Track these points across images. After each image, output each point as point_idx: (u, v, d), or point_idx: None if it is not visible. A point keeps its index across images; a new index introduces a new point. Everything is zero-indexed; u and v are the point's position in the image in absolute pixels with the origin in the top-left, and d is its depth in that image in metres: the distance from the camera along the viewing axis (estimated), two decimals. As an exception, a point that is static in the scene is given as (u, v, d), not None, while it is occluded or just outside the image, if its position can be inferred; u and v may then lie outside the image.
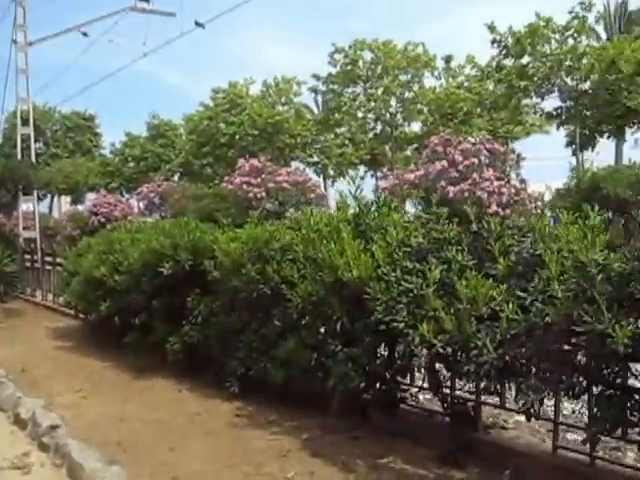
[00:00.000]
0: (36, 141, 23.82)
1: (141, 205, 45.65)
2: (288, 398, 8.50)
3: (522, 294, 5.44)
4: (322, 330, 7.61)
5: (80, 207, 58.26)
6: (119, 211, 46.70)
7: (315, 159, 49.88)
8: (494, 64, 38.50)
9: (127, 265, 11.00)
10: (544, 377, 5.42)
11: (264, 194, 30.93)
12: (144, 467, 6.87)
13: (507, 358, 5.35)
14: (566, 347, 5.27)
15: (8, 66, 24.44)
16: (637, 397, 5.13)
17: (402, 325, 6.02)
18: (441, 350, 5.77)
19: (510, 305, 5.39)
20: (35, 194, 23.44)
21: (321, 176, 49.69)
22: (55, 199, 66.64)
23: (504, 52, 37.65)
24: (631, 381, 5.33)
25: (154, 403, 9.24)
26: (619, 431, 5.29)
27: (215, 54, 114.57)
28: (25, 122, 23.90)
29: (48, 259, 20.00)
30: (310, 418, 8.05)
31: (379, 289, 6.32)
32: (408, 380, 7.63)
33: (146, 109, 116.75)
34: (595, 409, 5.38)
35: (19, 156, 21.28)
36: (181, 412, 8.70)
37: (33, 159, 21.79)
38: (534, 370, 5.49)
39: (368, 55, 45.49)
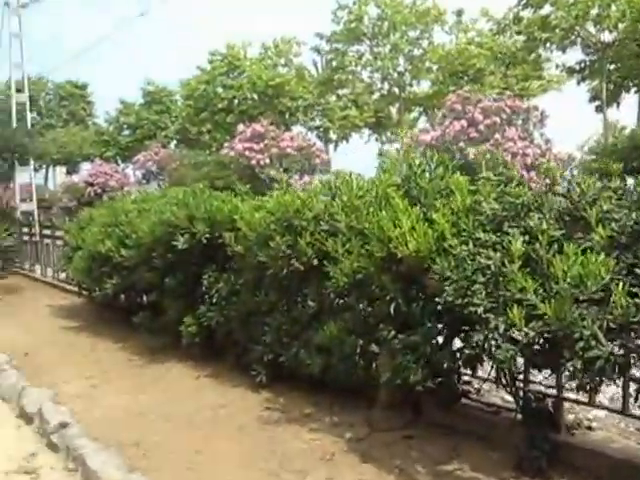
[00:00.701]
0: (30, 111, 22.72)
1: (138, 174, 44.65)
2: (324, 388, 7.52)
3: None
4: (366, 312, 6.58)
5: (75, 178, 57.66)
6: (115, 181, 45.93)
7: (317, 123, 48.40)
8: (511, 16, 36.74)
9: (135, 239, 9.96)
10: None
11: (267, 160, 29.80)
12: (168, 475, 5.96)
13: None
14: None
15: (0, 32, 23.37)
16: None
17: (480, 309, 4.98)
18: (531, 340, 4.74)
19: (620, 285, 4.37)
20: (32, 164, 22.38)
21: (323, 140, 48.32)
22: (50, 170, 65.65)
23: (523, 2, 35.62)
24: None
25: (172, 392, 8.28)
26: None
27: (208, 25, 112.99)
28: (19, 90, 22.97)
29: (47, 232, 18.91)
30: (352, 412, 7.09)
31: (447, 265, 5.28)
32: (469, 370, 6.60)
33: (141, 75, 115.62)
34: None
35: (14, 125, 20.35)
36: (203, 404, 7.73)
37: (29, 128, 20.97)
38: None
39: (374, 11, 43.40)
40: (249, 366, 8.19)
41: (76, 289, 14.96)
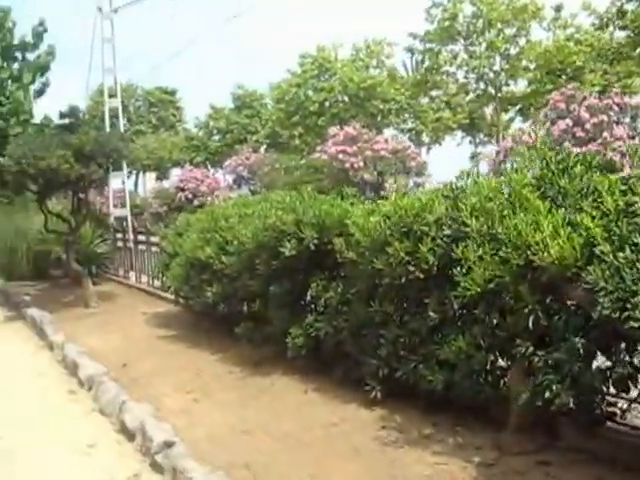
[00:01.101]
0: (119, 118, 22.61)
1: (229, 179, 44.60)
2: (444, 407, 6.94)
3: None
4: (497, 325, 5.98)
5: (166, 183, 58.09)
6: (206, 186, 45.97)
7: (409, 125, 47.58)
8: (614, 10, 35.13)
9: (237, 245, 9.51)
10: None
11: (361, 164, 29.30)
12: (283, 503, 5.45)
13: None
14: None
15: (93, 37, 23.32)
16: None
17: (644, 325, 4.36)
18: None
19: None
20: (125, 170, 22.30)
21: (415, 143, 47.41)
22: (140, 176, 66.32)
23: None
24: None
25: (278, 408, 7.78)
26: None
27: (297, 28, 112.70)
28: (112, 95, 22.91)
29: (141, 238, 18.69)
30: (478, 434, 6.47)
31: (601, 275, 4.66)
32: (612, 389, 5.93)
33: (230, 80, 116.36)
34: None
35: (107, 130, 20.22)
36: (313, 421, 7.22)
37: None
38: None
39: (469, 9, 41.88)
40: (360, 380, 7.66)
41: (172, 297, 14.64)
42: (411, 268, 6.65)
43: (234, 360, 9.80)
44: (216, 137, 63.93)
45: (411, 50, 40.74)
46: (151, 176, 67.25)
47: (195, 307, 11.56)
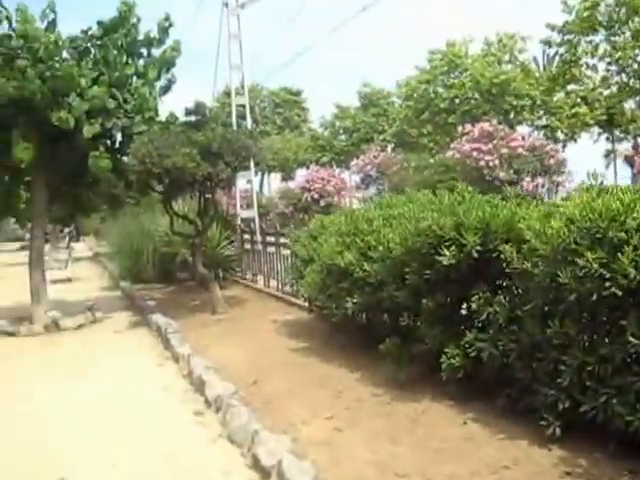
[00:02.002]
0: (245, 118, 21.87)
1: (356, 179, 43.72)
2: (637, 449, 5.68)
3: None
4: None
5: (291, 184, 57.87)
6: (332, 186, 45.40)
7: (543, 122, 45.38)
8: None
9: (382, 251, 8.44)
10: None
11: (497, 162, 27.87)
12: None
13: None
14: None
15: (220, 33, 22.67)
16: None
17: None
18: None
19: None
20: (252, 169, 21.51)
21: (550, 140, 45.14)
22: (265, 176, 66.30)
23: None
24: None
25: (435, 444, 6.59)
26: None
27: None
28: (238, 93, 22.30)
29: (270, 240, 17.78)
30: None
31: None
32: None
33: (356, 79, 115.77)
34: None
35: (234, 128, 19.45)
36: (480, 463, 6.02)
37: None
38: None
39: None
40: (530, 412, 6.47)
41: (302, 303, 13.78)
42: (606, 283, 5.42)
43: (376, 380, 8.69)
44: (342, 137, 63.23)
45: (548, 42, 37.90)
46: (276, 177, 67.29)
47: (331, 317, 10.46)
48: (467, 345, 7.13)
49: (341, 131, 62.92)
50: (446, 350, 7.37)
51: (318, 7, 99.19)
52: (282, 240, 16.30)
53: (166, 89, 15.89)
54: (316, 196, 45.24)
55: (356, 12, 27.17)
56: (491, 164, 27.78)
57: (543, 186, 27.48)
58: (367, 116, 59.31)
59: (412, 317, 8.13)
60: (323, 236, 10.89)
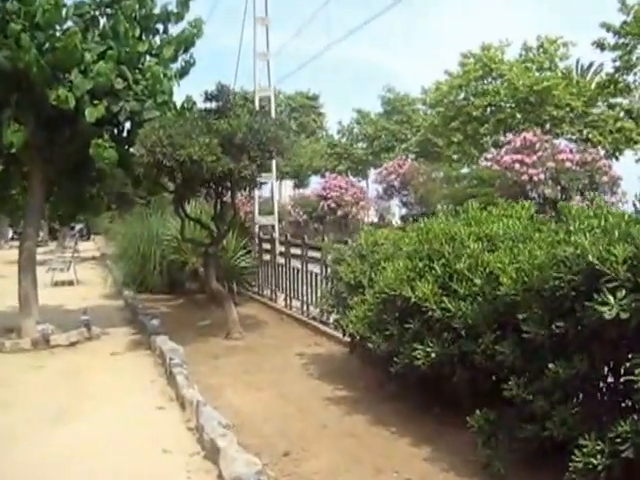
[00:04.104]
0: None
1: (378, 189, 41.46)
2: None
3: None
4: None
5: (307, 191, 56.08)
6: (350, 195, 43.49)
7: (584, 135, 42.06)
8: None
9: (480, 285, 6.02)
10: None
11: (542, 176, 25.37)
12: None
13: None
14: None
15: (244, 15, 20.42)
16: None
17: None
18: None
19: None
20: (274, 169, 19.04)
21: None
22: (276, 183, 64.22)
23: None
24: None
25: None
26: None
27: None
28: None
29: (294, 251, 15.30)
30: None
31: None
32: None
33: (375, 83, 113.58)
34: None
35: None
36: None
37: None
38: None
39: None
40: None
41: (331, 330, 11.96)
42: None
43: (456, 463, 6.26)
44: (361, 144, 60.78)
45: (601, 44, 33.99)
46: (287, 184, 65.23)
47: (385, 364, 7.98)
48: (618, 438, 4.73)
49: (360, 137, 60.34)
50: (581, 443, 4.95)
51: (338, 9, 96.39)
52: (311, 254, 13.93)
53: (183, 72, 13.43)
54: (333, 205, 43.33)
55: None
56: (535, 178, 25.32)
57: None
58: (390, 123, 56.68)
59: (523, 385, 5.65)
60: (375, 256, 8.52)
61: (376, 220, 46.72)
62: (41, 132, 12.15)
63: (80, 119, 11.43)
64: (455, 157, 46.61)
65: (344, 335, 9.72)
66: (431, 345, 6.65)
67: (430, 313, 6.65)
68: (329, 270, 12.13)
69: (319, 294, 12.70)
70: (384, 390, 8.54)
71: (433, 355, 6.63)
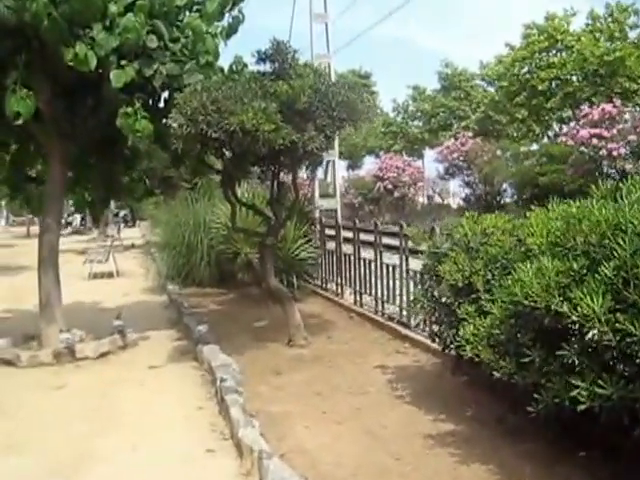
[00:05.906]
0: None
1: (439, 168, 39.42)
2: None
3: None
4: None
5: (361, 172, 54.91)
6: (408, 175, 41.81)
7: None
8: None
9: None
10: None
11: (622, 151, 23.06)
12: None
13: None
14: None
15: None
16: None
17: None
18: None
19: None
20: (337, 145, 16.96)
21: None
22: (338, 161, 62.27)
23: None
24: None
25: None
26: None
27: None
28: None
29: (364, 238, 13.15)
30: None
31: None
32: None
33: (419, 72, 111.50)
34: None
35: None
36: None
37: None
38: None
39: None
40: None
41: (414, 334, 10.16)
42: None
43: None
44: (417, 122, 58.40)
45: None
46: (341, 164, 63.45)
47: (511, 394, 5.84)
48: None
49: (417, 114, 57.85)
50: None
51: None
52: (386, 240, 11.88)
53: (230, 31, 11.24)
54: (390, 186, 41.70)
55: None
56: (615, 153, 23.00)
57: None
58: (448, 100, 54.09)
59: None
60: (491, 250, 6.39)
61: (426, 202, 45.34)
62: (58, 101, 10.19)
63: (105, 84, 9.39)
64: (516, 135, 44.33)
65: (444, 350, 7.64)
66: (602, 383, 4.51)
67: (596, 337, 4.51)
68: (410, 262, 10.16)
69: (397, 290, 10.70)
70: (504, 425, 6.41)
71: (613, 397, 4.48)
